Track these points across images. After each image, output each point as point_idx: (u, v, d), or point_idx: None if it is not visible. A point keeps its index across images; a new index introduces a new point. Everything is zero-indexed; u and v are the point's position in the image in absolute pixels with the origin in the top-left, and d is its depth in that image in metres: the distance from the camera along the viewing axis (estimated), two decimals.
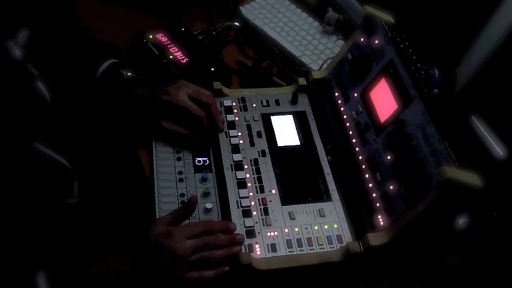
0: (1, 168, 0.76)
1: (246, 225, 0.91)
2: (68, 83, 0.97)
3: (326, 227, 0.92)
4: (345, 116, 1.04)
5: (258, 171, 0.98)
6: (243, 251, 0.87)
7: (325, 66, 1.18)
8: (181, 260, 0.80)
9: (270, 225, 0.91)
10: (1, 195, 0.76)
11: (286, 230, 0.91)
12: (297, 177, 0.99)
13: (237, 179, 0.97)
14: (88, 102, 1.00)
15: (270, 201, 0.94)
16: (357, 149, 0.98)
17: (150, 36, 1.19)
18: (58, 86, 0.90)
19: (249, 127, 1.05)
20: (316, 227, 0.92)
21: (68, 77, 0.98)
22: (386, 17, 1.01)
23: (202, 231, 0.84)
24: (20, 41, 0.81)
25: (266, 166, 0.99)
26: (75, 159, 0.91)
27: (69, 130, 0.94)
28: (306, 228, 0.92)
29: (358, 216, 0.93)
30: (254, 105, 1.09)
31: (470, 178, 0.77)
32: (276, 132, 1.05)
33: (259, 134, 1.04)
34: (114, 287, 0.78)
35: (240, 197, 0.94)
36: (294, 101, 1.11)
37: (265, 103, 1.09)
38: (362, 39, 1.04)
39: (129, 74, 1.01)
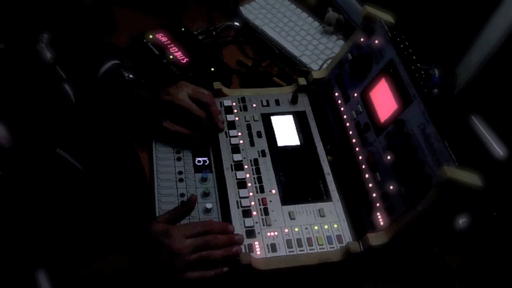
0: (24, 171, 0.76)
1: (246, 225, 0.91)
2: (88, 86, 0.98)
3: (326, 227, 0.92)
4: (345, 116, 1.04)
5: (258, 171, 0.98)
6: (243, 251, 0.87)
7: (325, 66, 1.18)
8: (180, 259, 0.80)
9: (270, 225, 0.91)
10: (19, 197, 0.76)
11: (286, 230, 0.91)
12: (297, 177, 0.99)
13: (237, 179, 0.97)
14: (95, 104, 1.01)
15: (270, 201, 0.94)
16: (357, 149, 0.98)
17: (150, 36, 1.19)
18: (81, 88, 0.92)
19: (249, 127, 1.05)
20: (316, 227, 0.92)
21: (85, 79, 0.99)
22: (386, 17, 1.01)
23: (202, 231, 0.85)
24: (46, 43, 0.82)
25: (266, 166, 0.99)
26: (88, 164, 0.92)
27: (87, 135, 0.96)
28: (306, 228, 0.92)
29: (358, 216, 0.93)
30: (254, 105, 1.09)
31: (470, 178, 0.77)
32: (276, 132, 1.05)
33: (259, 134, 1.04)
34: (113, 285, 0.78)
35: (240, 197, 0.94)
36: (294, 101, 1.11)
37: (265, 103, 1.09)
38: (362, 39, 1.04)
39: (131, 76, 1.02)
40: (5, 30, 0.76)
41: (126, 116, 1.02)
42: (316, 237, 0.91)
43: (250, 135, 1.03)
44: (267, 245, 0.89)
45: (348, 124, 1.02)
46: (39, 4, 0.83)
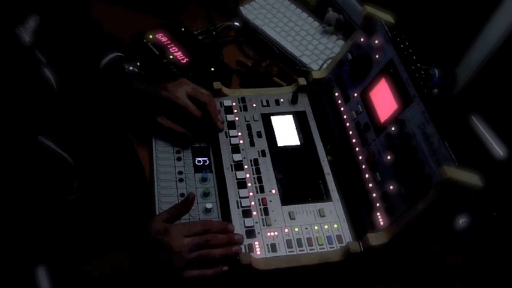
0: (5, 160, 0.75)
1: (246, 225, 0.91)
2: (73, 72, 0.97)
3: (326, 227, 0.92)
4: (345, 116, 1.04)
5: (258, 171, 0.98)
6: (243, 251, 0.87)
7: (325, 66, 1.18)
8: (179, 257, 0.80)
9: (270, 225, 0.91)
10: (3, 187, 0.76)
11: (286, 230, 0.91)
12: (297, 177, 0.99)
13: (237, 179, 0.97)
14: (91, 95, 1.00)
15: (270, 201, 0.94)
16: (357, 149, 0.98)
17: (150, 36, 1.19)
18: (64, 74, 0.90)
19: (249, 127, 1.05)
20: (316, 227, 0.92)
21: (74, 66, 0.98)
22: (386, 17, 1.01)
23: (201, 230, 0.84)
24: (29, 27, 0.81)
25: (266, 166, 0.99)
26: (77, 155, 0.91)
27: (73, 124, 0.94)
28: (306, 228, 0.92)
29: (358, 216, 0.93)
30: (254, 105, 1.09)
31: (470, 178, 0.77)
32: (276, 132, 1.05)
33: (259, 134, 1.04)
34: (112, 284, 0.78)
35: (240, 197, 0.94)
36: (294, 101, 1.11)
37: (265, 103, 1.09)
38: (362, 39, 1.04)
39: (131, 68, 1.02)
40: None
41: (123, 108, 1.02)
42: (316, 237, 0.91)
43: (250, 135, 1.03)
44: (267, 245, 0.89)
45: (348, 124, 1.02)
46: None
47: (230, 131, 1.03)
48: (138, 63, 1.06)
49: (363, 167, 0.95)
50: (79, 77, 0.99)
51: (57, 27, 0.93)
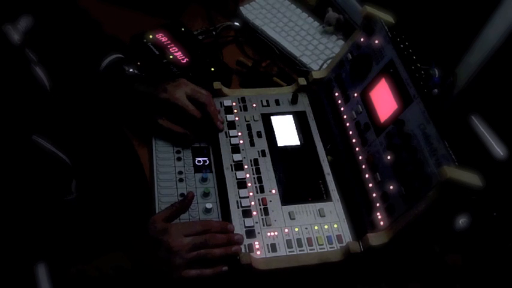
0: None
1: (246, 225, 0.91)
2: (69, 73, 0.97)
3: (326, 227, 0.92)
4: (345, 116, 1.04)
5: (258, 171, 0.98)
6: (243, 251, 0.87)
7: (325, 66, 1.18)
8: (178, 256, 0.80)
9: (270, 225, 0.91)
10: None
11: (286, 230, 0.91)
12: (297, 177, 0.99)
13: (237, 179, 0.97)
14: (88, 95, 1.00)
15: (270, 201, 0.94)
16: (357, 149, 0.98)
17: (150, 36, 1.19)
18: (58, 74, 0.90)
19: (249, 127, 1.05)
20: (316, 227, 0.92)
21: (70, 67, 0.98)
22: (386, 17, 1.01)
23: (201, 230, 0.84)
24: (20, 26, 0.81)
25: (266, 166, 0.99)
26: (74, 155, 0.90)
27: (69, 123, 0.94)
28: (306, 228, 0.92)
29: (358, 216, 0.93)
30: (254, 105, 1.09)
31: (470, 178, 0.77)
32: (276, 132, 1.05)
33: (259, 134, 1.04)
34: (112, 283, 0.78)
35: (240, 197, 0.94)
36: (294, 101, 1.11)
37: (265, 103, 1.09)
38: (362, 39, 1.04)
39: (131, 70, 1.02)
40: None
41: (122, 109, 1.02)
42: (316, 237, 0.91)
43: (250, 135, 1.03)
44: (267, 245, 0.89)
45: (348, 124, 1.02)
46: None
47: (230, 131, 1.03)
48: (138, 64, 1.06)
49: (363, 167, 0.95)
50: (75, 77, 0.99)
51: (52, 29, 0.93)
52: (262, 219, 0.92)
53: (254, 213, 0.92)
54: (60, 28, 0.98)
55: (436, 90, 1.03)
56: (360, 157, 0.97)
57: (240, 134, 1.03)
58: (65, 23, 1.00)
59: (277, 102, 1.10)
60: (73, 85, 0.98)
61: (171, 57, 1.16)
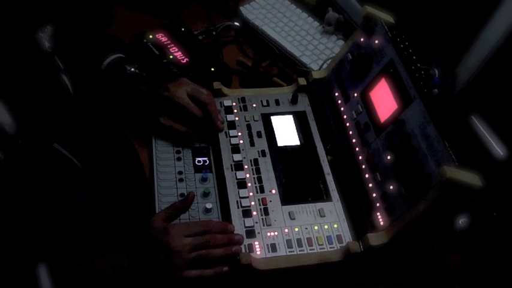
0: (26, 160, 0.76)
1: (246, 225, 0.91)
2: (85, 77, 0.98)
3: (326, 227, 0.92)
4: (345, 116, 1.04)
5: (258, 171, 0.98)
6: (243, 251, 0.87)
7: (325, 66, 1.18)
8: (178, 257, 0.80)
9: (270, 225, 0.91)
10: (16, 191, 0.76)
11: (286, 230, 0.91)
12: (297, 177, 0.99)
13: (237, 179, 0.97)
14: (97, 97, 1.01)
15: (270, 201, 0.94)
16: (357, 149, 0.98)
17: (150, 36, 1.19)
18: (79, 79, 0.91)
19: (249, 127, 1.05)
20: (316, 227, 0.92)
21: (85, 71, 0.99)
22: (386, 17, 1.01)
23: (201, 231, 0.84)
24: (48, 33, 0.81)
25: (266, 166, 0.99)
26: (84, 159, 0.91)
27: (83, 128, 0.95)
28: (306, 228, 0.92)
29: (358, 216, 0.93)
30: (254, 105, 1.09)
31: (470, 178, 0.77)
32: (276, 132, 1.05)
33: (259, 134, 1.04)
34: (112, 283, 0.78)
35: (240, 197, 0.94)
36: (294, 101, 1.11)
37: (265, 103, 1.09)
38: (362, 39, 1.04)
39: (133, 69, 1.02)
40: (6, 18, 0.76)
41: (124, 108, 1.02)
42: (316, 237, 0.91)
43: (250, 135, 1.03)
44: (267, 245, 0.89)
45: (348, 124, 1.02)
46: None
47: (230, 131, 1.03)
48: (139, 65, 1.06)
49: (363, 167, 0.95)
50: (90, 81, 1.00)
51: (71, 34, 0.93)
52: (262, 219, 0.92)
53: (254, 213, 0.92)
54: (76, 34, 0.99)
55: (436, 90, 1.03)
56: (360, 157, 0.97)
57: (240, 134, 1.03)
58: (80, 30, 1.01)
59: (277, 102, 1.10)
60: (90, 90, 0.98)
61: (171, 57, 1.16)
